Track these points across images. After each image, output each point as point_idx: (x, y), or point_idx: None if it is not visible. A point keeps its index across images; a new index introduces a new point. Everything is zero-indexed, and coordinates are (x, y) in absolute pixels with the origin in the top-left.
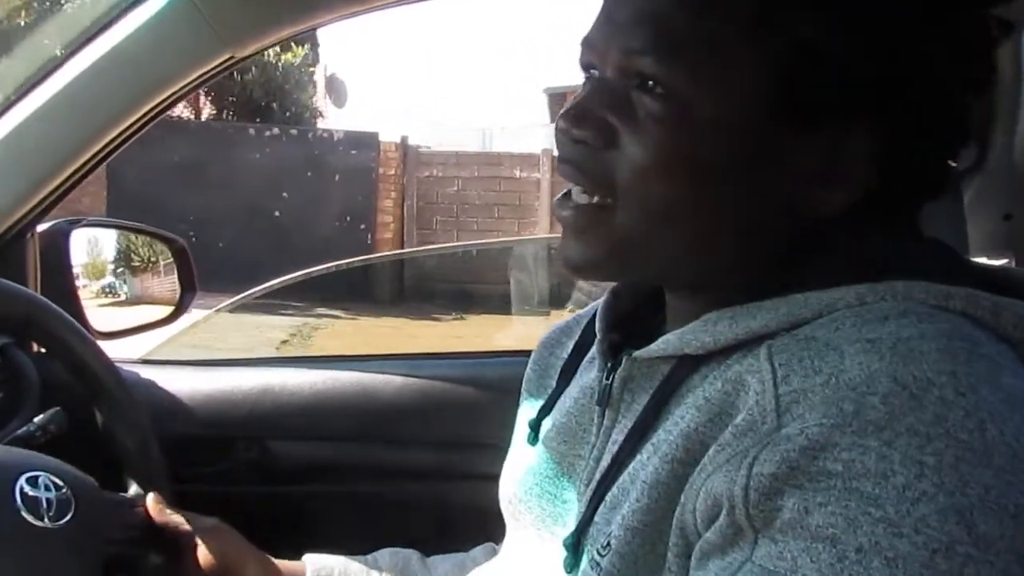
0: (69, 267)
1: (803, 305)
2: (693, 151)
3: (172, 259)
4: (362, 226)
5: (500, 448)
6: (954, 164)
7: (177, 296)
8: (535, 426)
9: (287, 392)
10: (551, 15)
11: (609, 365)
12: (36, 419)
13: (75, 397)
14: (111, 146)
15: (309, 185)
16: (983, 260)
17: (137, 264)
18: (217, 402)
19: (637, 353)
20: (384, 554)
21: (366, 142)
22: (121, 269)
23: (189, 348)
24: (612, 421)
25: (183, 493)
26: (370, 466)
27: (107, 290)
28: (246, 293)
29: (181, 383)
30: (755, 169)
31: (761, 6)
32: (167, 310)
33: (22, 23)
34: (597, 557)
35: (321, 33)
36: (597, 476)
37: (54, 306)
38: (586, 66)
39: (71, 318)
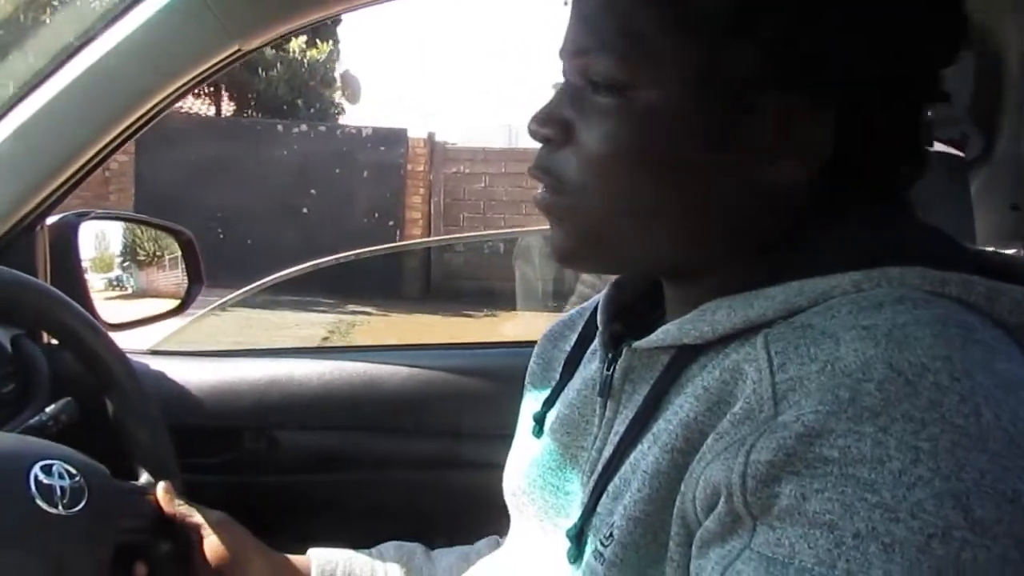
0: (78, 259)
1: (799, 293)
2: (639, 141)
3: (179, 251)
4: (390, 223)
5: (506, 437)
6: (960, 147)
7: (183, 288)
8: (539, 419)
9: (294, 383)
10: None
11: (610, 356)
12: (48, 409)
13: (86, 387)
14: (119, 139)
15: (337, 181)
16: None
17: (142, 258)
18: (225, 393)
19: (637, 344)
20: (389, 547)
21: (394, 138)
22: (127, 263)
23: (234, 346)
24: (614, 412)
25: (192, 483)
26: (377, 456)
27: (114, 283)
28: (246, 288)
29: (189, 374)
30: (701, 150)
31: None
32: (173, 302)
33: (30, 17)
34: (600, 548)
35: (341, 29)
36: (599, 467)
37: (65, 297)
38: (561, 73)
39: (82, 309)
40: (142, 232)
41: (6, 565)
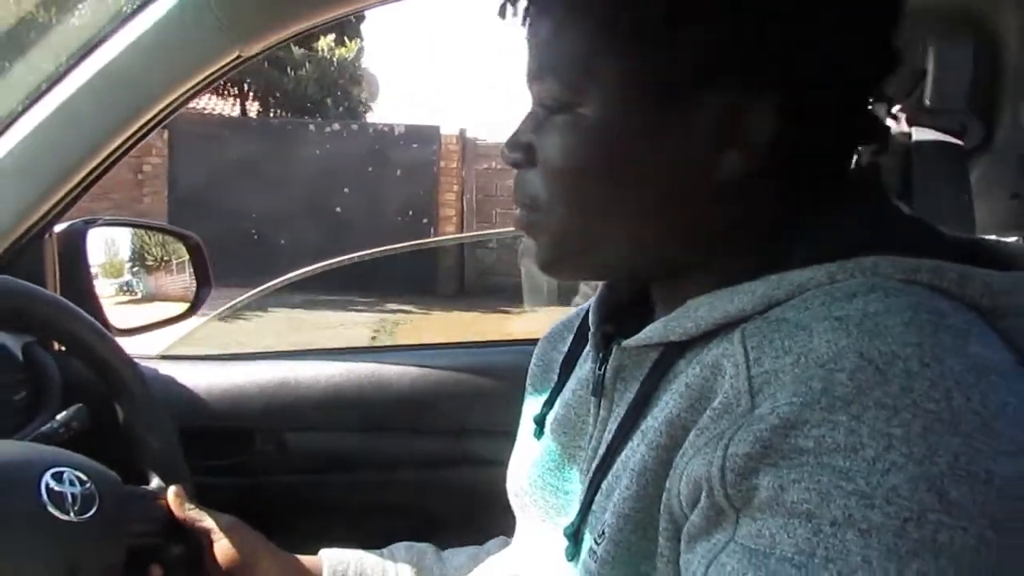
0: (87, 266)
1: (777, 286)
2: (592, 152)
3: (187, 256)
4: (424, 220)
5: (514, 435)
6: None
7: (192, 292)
8: (539, 420)
9: (304, 384)
10: None
11: (602, 356)
12: (59, 416)
13: (96, 394)
14: (124, 146)
15: (370, 180)
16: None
17: (151, 262)
18: (235, 395)
19: (626, 342)
20: (400, 547)
21: (427, 136)
22: (137, 268)
23: (288, 347)
24: (608, 411)
25: (204, 485)
26: (387, 456)
27: (124, 288)
28: (248, 294)
29: (200, 377)
30: (650, 152)
31: (608, 19)
32: (183, 306)
33: (37, 23)
34: (594, 546)
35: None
36: (594, 465)
37: (73, 305)
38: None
39: (90, 316)
40: (150, 237)
41: (20, 572)
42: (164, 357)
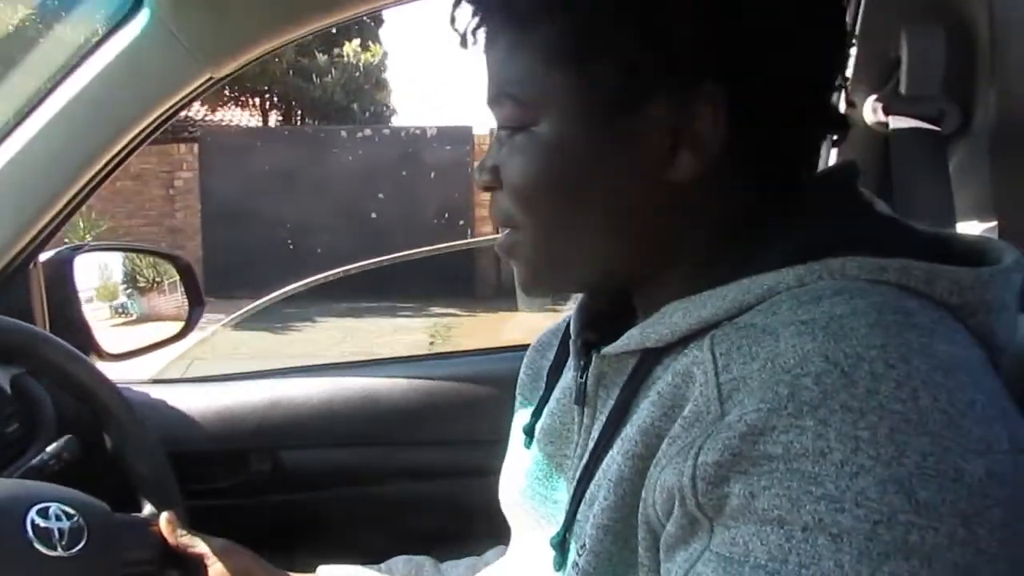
0: (75, 293)
1: (747, 291)
2: (548, 167)
3: (178, 277)
4: (460, 222)
5: (507, 445)
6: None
7: (185, 312)
8: (529, 430)
9: (296, 402)
10: None
11: (583, 364)
12: (49, 448)
13: (87, 423)
14: (103, 172)
15: (404, 184)
16: (971, 225)
17: (143, 284)
18: (228, 417)
19: (605, 349)
20: (397, 561)
21: (459, 136)
22: (130, 289)
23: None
24: (591, 419)
25: (200, 507)
26: (381, 469)
27: (120, 310)
28: (250, 306)
29: (192, 400)
30: (603, 161)
31: (549, 45)
32: (177, 326)
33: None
34: (576, 557)
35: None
36: (578, 475)
37: (51, 335)
38: None
39: (68, 345)
40: (140, 260)
41: None
42: (155, 381)
